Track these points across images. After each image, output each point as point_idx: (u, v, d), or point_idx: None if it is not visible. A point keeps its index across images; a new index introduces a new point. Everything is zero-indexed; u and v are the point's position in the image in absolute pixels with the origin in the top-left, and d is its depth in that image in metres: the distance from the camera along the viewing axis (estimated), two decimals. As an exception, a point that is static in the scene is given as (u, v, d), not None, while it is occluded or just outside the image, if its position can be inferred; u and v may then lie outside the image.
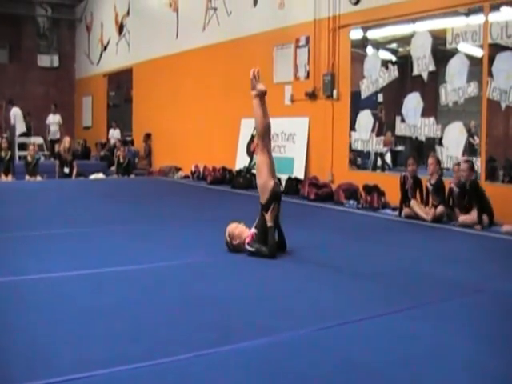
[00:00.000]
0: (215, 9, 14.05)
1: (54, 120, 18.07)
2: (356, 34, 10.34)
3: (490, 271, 5.20)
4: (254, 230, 5.50)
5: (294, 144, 11.59)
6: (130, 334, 3.35)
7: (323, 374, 2.87)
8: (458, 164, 8.09)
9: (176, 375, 2.82)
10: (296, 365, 2.95)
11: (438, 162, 8.21)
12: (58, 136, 17.61)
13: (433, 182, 8.00)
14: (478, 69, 8.26)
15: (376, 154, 10.05)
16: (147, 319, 3.63)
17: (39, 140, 18.13)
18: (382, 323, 3.64)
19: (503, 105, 7.93)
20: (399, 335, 3.44)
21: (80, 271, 4.78)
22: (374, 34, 10.13)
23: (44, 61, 22.95)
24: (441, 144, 8.81)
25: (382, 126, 9.96)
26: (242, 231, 5.57)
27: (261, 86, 5.51)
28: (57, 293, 4.19)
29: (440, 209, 7.81)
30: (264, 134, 5.59)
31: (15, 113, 17.30)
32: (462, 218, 7.60)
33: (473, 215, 7.46)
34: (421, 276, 4.91)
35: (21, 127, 17.44)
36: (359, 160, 10.45)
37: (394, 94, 9.83)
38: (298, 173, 11.27)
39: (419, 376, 2.87)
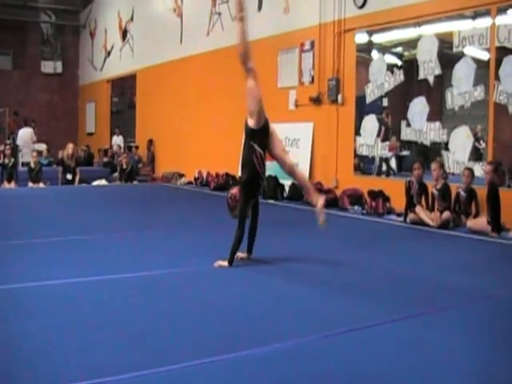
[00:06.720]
0: (219, 14, 14.02)
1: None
2: (361, 37, 10.26)
3: (499, 278, 5.11)
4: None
5: (298, 149, 11.48)
6: (134, 341, 3.28)
7: (330, 381, 2.79)
8: (468, 169, 7.98)
9: (181, 383, 2.75)
10: (302, 373, 2.87)
11: (442, 166, 8.10)
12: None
13: (438, 187, 7.89)
14: (484, 72, 8.17)
15: (381, 159, 9.93)
16: (151, 327, 3.54)
17: (42, 146, 18.06)
18: (390, 330, 3.56)
19: (510, 109, 7.83)
20: (407, 342, 3.35)
21: (81, 279, 4.69)
22: (379, 38, 10.04)
23: (48, 67, 22.99)
24: (447, 149, 8.70)
25: (388, 131, 9.86)
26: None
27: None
28: (58, 300, 4.10)
29: (446, 214, 7.68)
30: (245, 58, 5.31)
31: (23, 135, 16.93)
32: (470, 223, 7.48)
33: (482, 221, 7.34)
34: (428, 282, 4.81)
35: (26, 154, 15.88)
36: (362, 165, 10.32)
37: (400, 98, 9.72)
38: (302, 178, 11.14)
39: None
